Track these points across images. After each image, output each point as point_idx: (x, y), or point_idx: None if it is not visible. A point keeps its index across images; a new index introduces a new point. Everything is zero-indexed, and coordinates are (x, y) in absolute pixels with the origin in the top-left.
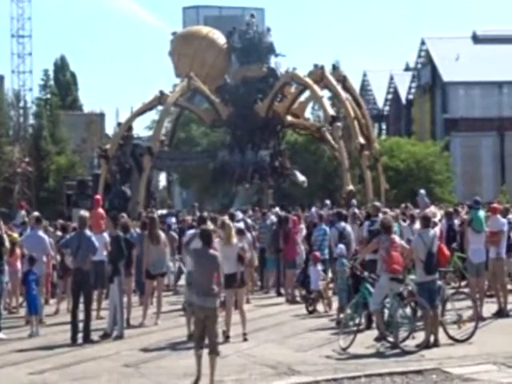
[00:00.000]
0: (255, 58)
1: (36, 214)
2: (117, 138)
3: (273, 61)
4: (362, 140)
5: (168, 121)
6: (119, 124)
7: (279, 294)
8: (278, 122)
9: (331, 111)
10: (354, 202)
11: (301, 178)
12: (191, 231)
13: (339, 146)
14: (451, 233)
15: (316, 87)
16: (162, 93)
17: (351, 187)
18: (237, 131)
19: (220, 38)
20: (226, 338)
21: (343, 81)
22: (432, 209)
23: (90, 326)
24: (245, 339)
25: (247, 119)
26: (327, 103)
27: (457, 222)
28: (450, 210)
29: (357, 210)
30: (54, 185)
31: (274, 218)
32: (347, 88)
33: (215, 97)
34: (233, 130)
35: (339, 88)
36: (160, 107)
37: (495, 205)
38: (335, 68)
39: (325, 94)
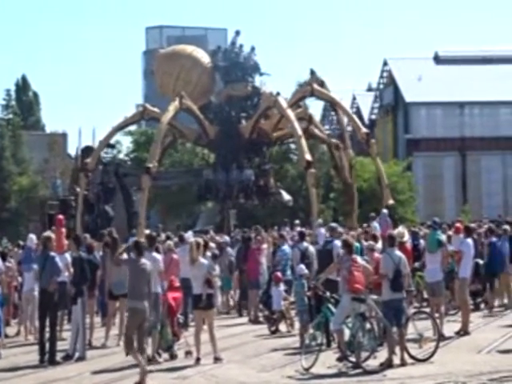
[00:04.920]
0: (239, 76)
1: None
2: (97, 153)
3: (257, 80)
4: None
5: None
6: (88, 148)
7: (240, 315)
8: (263, 140)
9: (307, 156)
10: (297, 221)
11: (286, 197)
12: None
13: (310, 193)
14: (416, 252)
15: (296, 124)
16: (144, 107)
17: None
18: (221, 150)
19: (204, 57)
20: (197, 359)
21: (321, 86)
22: (400, 229)
23: (55, 347)
24: (215, 361)
25: (232, 138)
26: (304, 145)
27: (423, 242)
28: (416, 229)
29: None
30: (15, 205)
31: (227, 239)
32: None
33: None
34: (217, 149)
35: (331, 94)
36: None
37: (458, 224)
38: (313, 73)
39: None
